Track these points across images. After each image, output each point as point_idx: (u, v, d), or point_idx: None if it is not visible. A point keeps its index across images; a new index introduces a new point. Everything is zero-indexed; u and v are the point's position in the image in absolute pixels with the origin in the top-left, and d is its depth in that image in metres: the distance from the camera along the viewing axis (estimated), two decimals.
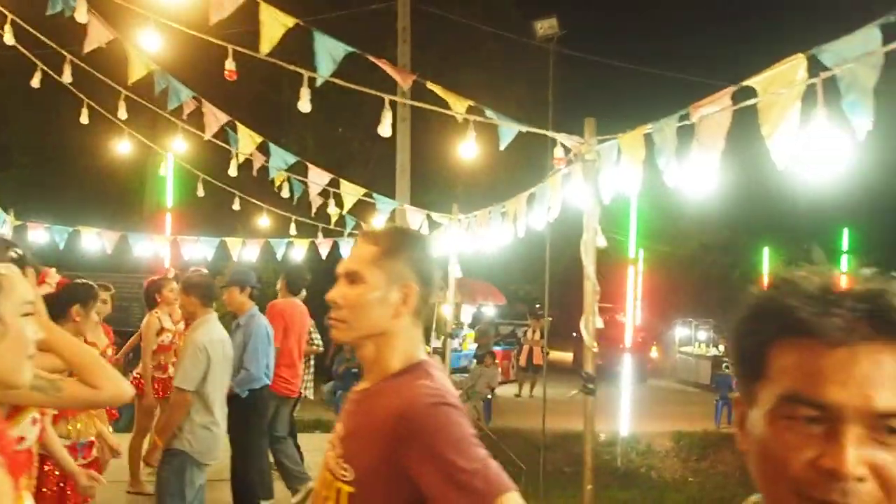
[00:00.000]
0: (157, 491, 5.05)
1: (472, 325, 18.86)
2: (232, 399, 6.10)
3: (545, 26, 10.05)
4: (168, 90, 5.99)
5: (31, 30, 6.02)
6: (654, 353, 20.06)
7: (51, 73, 6.20)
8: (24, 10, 6.13)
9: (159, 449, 4.89)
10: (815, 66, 2.51)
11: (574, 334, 23.05)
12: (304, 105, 4.29)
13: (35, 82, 6.42)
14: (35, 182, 15.26)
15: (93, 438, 4.31)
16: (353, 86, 4.28)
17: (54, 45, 6.09)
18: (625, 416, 12.09)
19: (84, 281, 4.36)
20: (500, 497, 1.54)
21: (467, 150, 4.47)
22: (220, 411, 5.18)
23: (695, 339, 19.50)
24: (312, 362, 8.52)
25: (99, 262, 11.51)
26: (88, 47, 5.61)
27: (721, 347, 18.48)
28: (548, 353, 18.56)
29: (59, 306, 3.86)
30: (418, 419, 1.63)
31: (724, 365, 17.21)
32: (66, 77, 5.99)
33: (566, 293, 23.14)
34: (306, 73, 4.22)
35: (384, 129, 4.40)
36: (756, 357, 0.92)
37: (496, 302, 20.09)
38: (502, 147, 4.37)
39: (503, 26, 13.78)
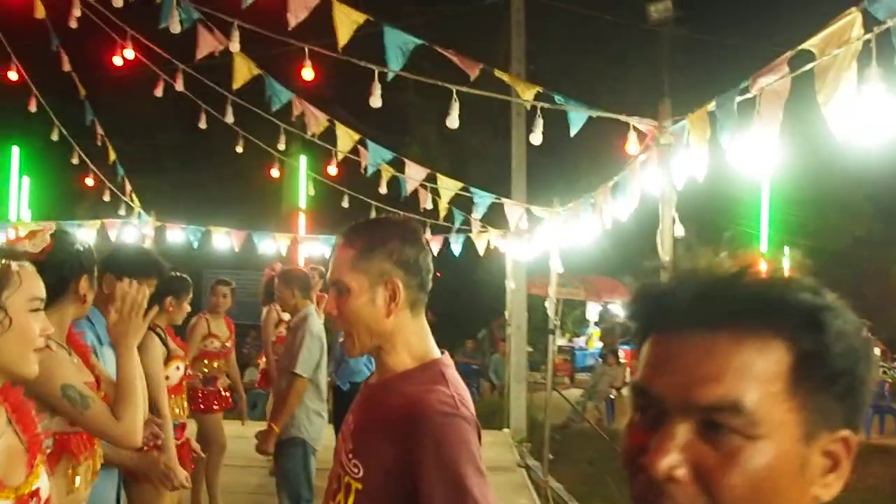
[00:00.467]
0: (287, 482, 4.98)
1: (598, 323, 18.43)
2: (334, 391, 6.26)
3: (659, 9, 9.63)
4: (272, 94, 6.26)
5: (148, 42, 6.50)
6: None
7: (170, 81, 6.68)
8: (142, 25, 6.61)
9: (274, 435, 4.86)
10: (870, 22, 2.21)
11: None
12: (376, 100, 4.34)
13: (158, 92, 6.94)
14: (179, 185, 16.50)
15: (184, 421, 4.55)
16: (421, 78, 4.30)
17: (166, 55, 6.55)
18: None
19: (179, 274, 4.62)
20: None
21: (536, 137, 4.35)
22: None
23: None
24: None
25: (235, 260, 12.25)
26: (200, 55, 5.96)
27: (876, 350, 16.85)
28: None
29: (154, 297, 4.14)
30: (434, 428, 1.61)
31: (881, 370, 15.76)
32: (180, 86, 6.41)
33: None
34: (377, 69, 4.27)
35: (452, 122, 4.37)
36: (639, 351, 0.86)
37: (623, 299, 19.47)
38: (572, 133, 4.23)
39: (620, 12, 13.40)
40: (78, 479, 2.36)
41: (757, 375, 0.73)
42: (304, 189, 14.21)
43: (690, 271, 0.80)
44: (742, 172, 2.88)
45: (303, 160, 13.76)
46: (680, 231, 3.77)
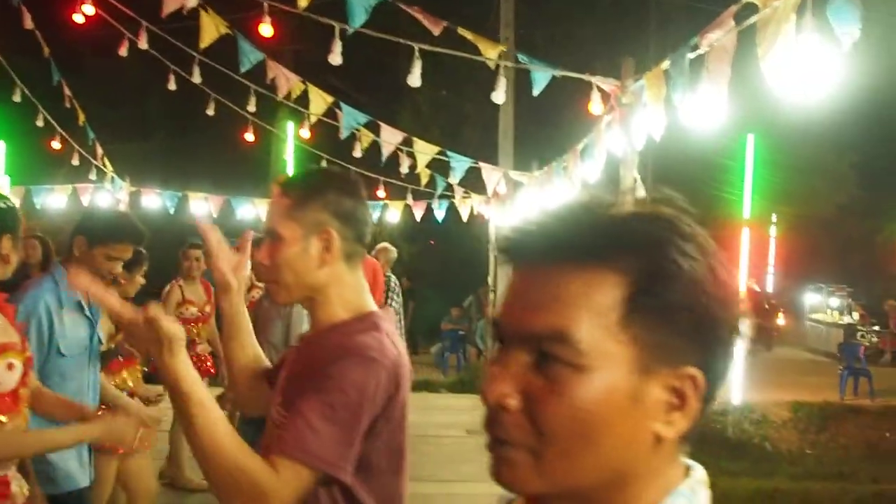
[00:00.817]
0: None
1: None
2: None
3: None
4: (242, 55, 6.15)
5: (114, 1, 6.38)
6: (780, 320, 18.86)
7: (133, 38, 6.55)
8: None
9: None
10: None
11: None
12: (335, 58, 4.26)
13: (123, 52, 6.82)
14: (163, 152, 16.34)
15: (133, 390, 4.52)
16: (381, 35, 4.22)
17: (131, 13, 6.43)
18: (736, 384, 11.48)
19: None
20: (298, 462, 1.50)
21: (499, 96, 4.30)
22: None
23: (827, 307, 18.19)
24: (401, 322, 8.75)
25: (221, 226, 12.12)
26: (165, 12, 5.87)
27: (855, 315, 17.11)
28: None
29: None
30: (346, 365, 1.58)
31: (858, 334, 15.96)
32: (143, 44, 6.30)
33: None
34: (338, 25, 4.19)
35: (413, 80, 4.31)
36: None
37: None
38: (536, 93, 4.18)
39: None
40: None
41: (587, 306, 0.72)
42: (291, 155, 14.10)
43: (552, 209, 0.79)
44: (696, 131, 2.85)
45: (290, 126, 13.64)
46: (641, 192, 3.74)
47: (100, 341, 3.30)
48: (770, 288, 20.00)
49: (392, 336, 1.71)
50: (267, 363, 1.97)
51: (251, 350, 1.94)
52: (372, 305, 1.77)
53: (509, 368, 0.73)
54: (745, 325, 0.79)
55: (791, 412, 11.44)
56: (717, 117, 2.69)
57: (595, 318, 0.72)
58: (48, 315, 2.91)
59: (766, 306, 17.64)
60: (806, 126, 13.33)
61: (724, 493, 8.70)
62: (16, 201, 10.53)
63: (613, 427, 0.72)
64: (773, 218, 18.87)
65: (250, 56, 5.93)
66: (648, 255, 0.73)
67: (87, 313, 3.10)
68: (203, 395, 1.44)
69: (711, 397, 0.76)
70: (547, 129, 14.39)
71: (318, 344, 1.72)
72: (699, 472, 0.80)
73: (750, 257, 13.19)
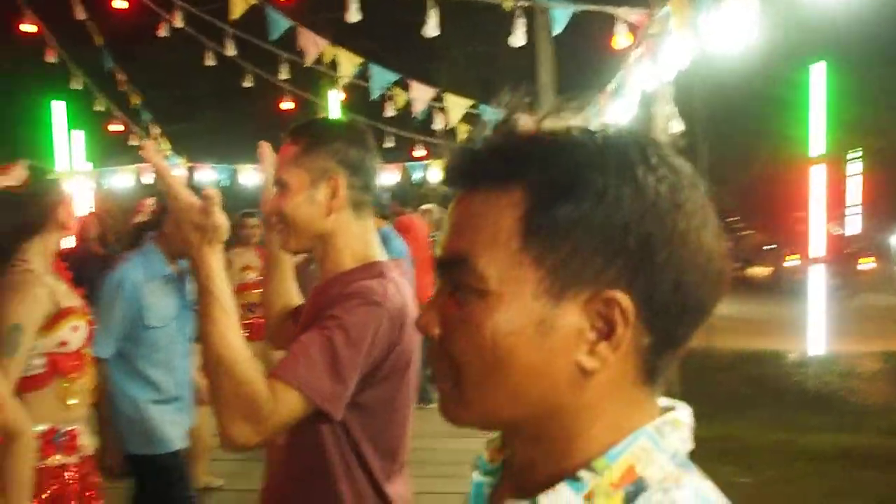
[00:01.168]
0: None
1: None
2: None
3: None
4: (271, 23, 6.09)
5: None
6: (868, 264, 17.80)
7: (167, 18, 6.58)
8: None
9: None
10: None
11: (769, 247, 21.17)
12: (353, 16, 4.11)
13: (163, 32, 6.91)
14: (213, 129, 16.77)
15: None
16: None
17: None
18: (815, 333, 10.91)
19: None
20: (291, 386, 1.48)
21: (517, 39, 4.05)
22: None
23: None
24: None
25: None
26: None
27: None
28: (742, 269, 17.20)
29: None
30: (349, 306, 1.57)
31: None
32: (179, 23, 6.33)
33: (764, 202, 21.20)
34: None
35: (430, 30, 4.11)
36: None
37: None
38: (555, 32, 3.91)
39: None
40: (71, 399, 2.45)
41: (486, 228, 0.70)
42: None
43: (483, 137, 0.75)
44: (726, 54, 2.55)
45: (332, 94, 13.81)
46: (678, 126, 3.44)
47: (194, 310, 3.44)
48: (854, 230, 19.00)
49: (398, 284, 1.68)
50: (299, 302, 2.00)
51: (286, 295, 1.99)
52: (380, 255, 1.75)
53: (437, 299, 0.74)
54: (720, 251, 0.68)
55: (882, 363, 10.81)
56: (749, 37, 2.40)
57: (495, 240, 0.69)
58: (133, 288, 3.07)
59: (847, 251, 16.72)
60: (882, 51, 12.35)
61: (804, 449, 8.28)
62: (91, 183, 11.17)
63: (522, 356, 0.69)
64: (856, 153, 17.80)
65: (279, 25, 5.87)
66: (546, 170, 0.68)
67: (177, 286, 3.22)
68: (228, 301, 1.45)
69: (666, 331, 0.68)
70: (586, 73, 13.97)
71: (324, 293, 1.70)
72: (675, 413, 0.71)
73: (825, 198, 12.40)
